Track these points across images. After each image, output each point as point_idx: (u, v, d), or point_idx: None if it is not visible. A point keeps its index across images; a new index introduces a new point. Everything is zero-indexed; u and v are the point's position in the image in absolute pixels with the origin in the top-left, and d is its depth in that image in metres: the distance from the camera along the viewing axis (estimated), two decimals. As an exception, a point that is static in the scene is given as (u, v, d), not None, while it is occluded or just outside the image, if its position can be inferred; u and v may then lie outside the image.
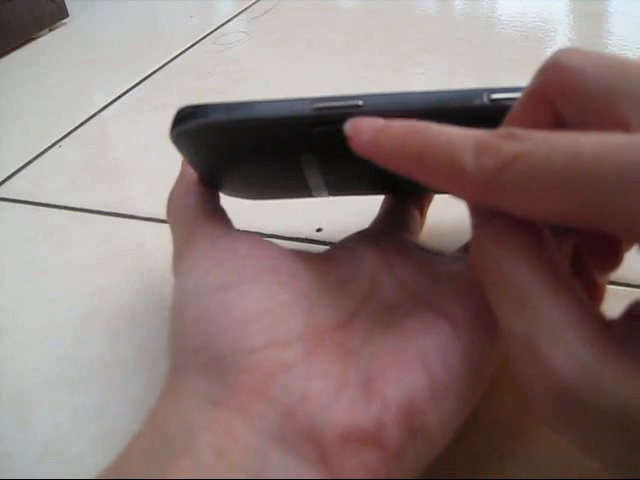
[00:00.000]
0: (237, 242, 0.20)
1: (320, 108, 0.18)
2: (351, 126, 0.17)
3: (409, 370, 0.17)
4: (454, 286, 0.19)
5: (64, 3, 0.68)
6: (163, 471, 0.15)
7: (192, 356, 0.18)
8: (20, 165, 0.43)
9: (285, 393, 0.16)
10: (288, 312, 0.18)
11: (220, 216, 0.23)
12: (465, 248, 0.25)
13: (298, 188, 0.23)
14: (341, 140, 0.17)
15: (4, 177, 0.42)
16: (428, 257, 0.22)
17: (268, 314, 0.18)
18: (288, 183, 0.23)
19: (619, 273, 0.26)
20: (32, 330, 0.28)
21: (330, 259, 0.21)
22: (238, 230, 0.22)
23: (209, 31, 0.62)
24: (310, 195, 0.24)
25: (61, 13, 0.68)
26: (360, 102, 0.18)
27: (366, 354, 0.18)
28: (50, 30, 0.67)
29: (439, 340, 0.17)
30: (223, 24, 0.64)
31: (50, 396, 0.25)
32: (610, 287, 0.26)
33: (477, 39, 0.52)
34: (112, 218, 0.36)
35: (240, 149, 0.20)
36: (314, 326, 0.18)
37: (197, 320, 0.18)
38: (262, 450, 0.15)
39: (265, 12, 0.65)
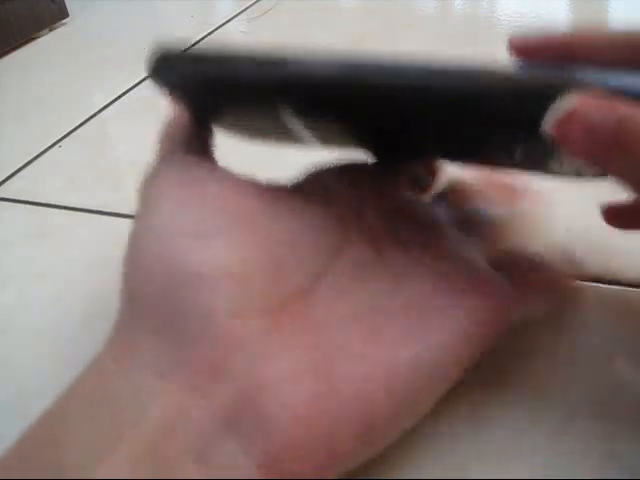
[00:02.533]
0: (214, 183, 0.18)
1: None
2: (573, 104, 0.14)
3: (371, 366, 0.16)
4: (424, 260, 0.18)
5: (64, 3, 0.68)
6: (109, 444, 0.14)
7: (143, 305, 0.16)
8: (20, 165, 0.43)
9: (241, 373, 0.15)
10: (253, 277, 0.16)
11: (206, 152, 0.21)
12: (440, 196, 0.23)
13: (287, 137, 0.22)
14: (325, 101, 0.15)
15: (4, 177, 0.42)
16: (409, 205, 0.21)
17: (232, 277, 0.16)
18: (274, 132, 0.22)
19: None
20: (32, 330, 0.28)
21: (305, 201, 0.19)
22: (220, 169, 0.20)
23: (209, 31, 0.62)
24: (302, 144, 0.22)
25: (61, 13, 0.68)
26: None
27: (328, 335, 0.17)
28: (50, 30, 0.67)
29: (404, 334, 0.17)
30: (223, 24, 0.64)
31: (50, 396, 0.25)
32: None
33: (477, 39, 0.52)
34: (112, 218, 0.36)
35: (218, 102, 0.19)
36: (277, 295, 0.17)
37: (153, 265, 0.17)
38: (214, 432, 0.14)
39: (265, 12, 0.65)
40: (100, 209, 0.37)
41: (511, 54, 0.19)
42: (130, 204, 0.38)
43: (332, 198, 0.20)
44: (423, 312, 0.18)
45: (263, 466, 0.15)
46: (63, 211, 0.37)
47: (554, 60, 0.18)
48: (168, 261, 0.16)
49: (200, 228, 0.17)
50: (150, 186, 0.19)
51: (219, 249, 0.16)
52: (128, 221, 0.35)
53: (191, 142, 0.21)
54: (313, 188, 0.21)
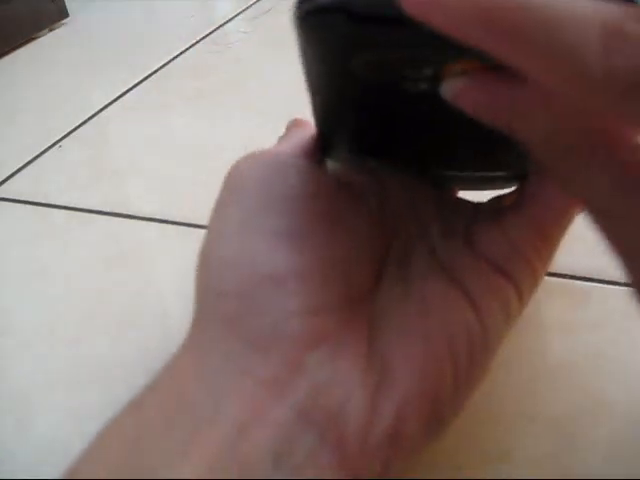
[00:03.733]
0: (296, 176, 0.19)
1: None
2: None
3: (435, 358, 0.16)
4: (476, 261, 0.18)
5: (64, 3, 0.68)
6: (190, 446, 0.14)
7: (218, 303, 0.17)
8: (20, 165, 0.43)
9: (316, 369, 0.15)
10: (326, 276, 0.17)
11: (311, 156, 0.20)
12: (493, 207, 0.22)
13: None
14: None
15: (4, 177, 0.42)
16: (452, 208, 0.20)
17: (302, 276, 0.16)
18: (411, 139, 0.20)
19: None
20: (32, 330, 0.28)
21: (364, 201, 0.20)
22: (310, 171, 0.20)
23: (209, 31, 0.62)
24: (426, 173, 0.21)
25: (61, 13, 0.68)
26: None
27: (389, 329, 0.17)
28: (50, 30, 0.67)
29: (464, 323, 0.17)
30: (223, 24, 0.64)
31: (50, 396, 0.25)
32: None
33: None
34: (112, 218, 0.36)
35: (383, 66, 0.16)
36: (347, 295, 0.17)
37: (227, 265, 0.17)
38: (290, 429, 0.15)
39: (265, 12, 0.65)
40: (100, 209, 0.37)
41: None
42: (130, 204, 0.38)
43: (389, 198, 0.20)
44: (468, 286, 0.18)
45: (339, 459, 0.15)
46: (63, 211, 0.37)
47: None
48: (241, 261, 0.17)
49: (272, 228, 0.17)
50: (235, 176, 0.19)
51: (289, 250, 0.17)
52: (128, 221, 0.35)
53: (304, 145, 0.21)
54: (371, 187, 0.21)
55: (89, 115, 0.49)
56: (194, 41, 0.60)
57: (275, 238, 0.17)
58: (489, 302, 0.17)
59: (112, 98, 0.51)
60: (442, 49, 0.14)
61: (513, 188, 0.21)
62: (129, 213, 0.36)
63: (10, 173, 0.42)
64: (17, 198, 0.39)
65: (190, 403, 0.15)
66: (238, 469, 0.14)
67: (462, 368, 0.16)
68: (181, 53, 0.58)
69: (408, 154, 0.21)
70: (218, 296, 0.17)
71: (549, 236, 0.18)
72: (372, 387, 0.15)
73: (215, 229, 0.18)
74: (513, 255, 0.18)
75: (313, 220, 0.18)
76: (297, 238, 0.17)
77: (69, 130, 0.47)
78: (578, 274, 0.27)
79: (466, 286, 0.18)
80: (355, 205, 0.20)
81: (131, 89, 0.52)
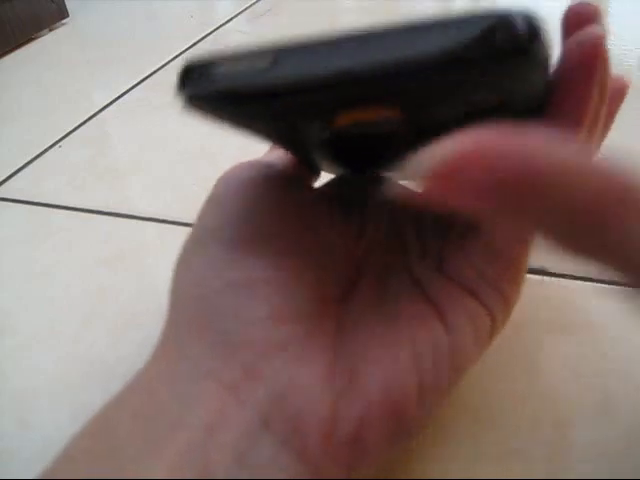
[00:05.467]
0: (277, 186, 0.19)
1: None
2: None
3: (399, 367, 0.16)
4: (448, 282, 0.18)
5: (64, 3, 0.68)
6: (159, 446, 0.15)
7: (188, 306, 0.17)
8: (20, 165, 0.43)
9: (277, 375, 0.16)
10: (289, 284, 0.17)
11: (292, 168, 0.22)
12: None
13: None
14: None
15: (4, 177, 0.42)
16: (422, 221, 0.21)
17: (269, 283, 0.17)
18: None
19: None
20: (32, 330, 0.28)
21: (334, 211, 0.21)
22: (284, 178, 0.21)
23: (209, 31, 0.62)
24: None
25: (61, 13, 0.68)
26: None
27: (358, 339, 0.17)
28: (50, 30, 0.67)
29: (431, 336, 0.17)
30: (223, 24, 0.64)
31: (50, 396, 0.25)
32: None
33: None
34: (112, 218, 0.36)
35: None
36: (315, 303, 0.18)
37: (199, 265, 0.18)
38: (253, 433, 0.15)
39: (265, 12, 0.65)
40: (100, 209, 0.37)
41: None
42: (130, 204, 0.38)
43: (371, 215, 0.21)
44: (439, 304, 0.18)
45: (302, 460, 0.15)
46: (63, 211, 0.37)
47: None
48: (209, 267, 0.17)
49: (244, 236, 0.18)
50: (215, 186, 0.20)
51: (258, 256, 0.17)
52: (128, 221, 0.35)
53: (284, 161, 0.22)
54: (339, 198, 0.22)
55: (89, 115, 0.49)
56: (194, 41, 0.60)
57: (245, 245, 0.18)
58: (459, 322, 0.17)
59: (112, 98, 0.51)
60: (320, 105, 0.14)
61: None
62: (129, 213, 0.36)
63: (10, 173, 0.42)
64: (17, 198, 0.39)
65: (161, 407, 0.16)
66: (204, 468, 0.14)
67: (427, 384, 0.16)
68: (181, 53, 0.58)
69: (370, 166, 0.22)
70: (188, 300, 0.17)
71: (510, 260, 0.18)
72: (335, 393, 0.16)
73: (192, 237, 0.19)
74: (479, 279, 0.18)
75: (286, 228, 0.18)
76: (267, 245, 0.18)
77: (69, 130, 0.47)
78: (577, 274, 0.27)
79: (438, 305, 0.18)
80: (332, 217, 0.20)
81: (131, 89, 0.52)
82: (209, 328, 0.17)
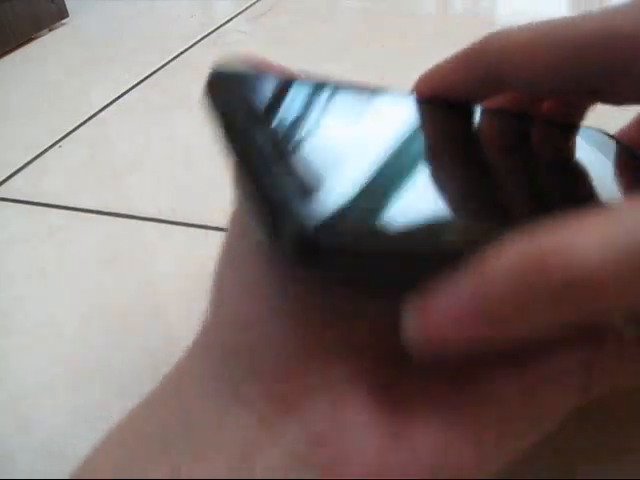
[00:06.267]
0: None
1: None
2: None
3: (448, 415, 0.15)
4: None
5: (64, 3, 0.68)
6: (194, 463, 0.14)
7: (226, 329, 0.16)
8: (20, 165, 0.43)
9: (318, 414, 0.14)
10: (339, 353, 0.15)
11: None
12: None
13: None
14: None
15: (4, 177, 0.42)
16: None
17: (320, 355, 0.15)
18: None
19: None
20: (32, 330, 0.28)
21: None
22: None
23: (209, 31, 0.62)
24: None
25: (61, 13, 0.68)
26: None
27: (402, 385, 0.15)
28: (50, 30, 0.67)
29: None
30: (223, 24, 0.64)
31: (50, 396, 0.25)
32: None
33: (477, 39, 0.52)
34: (112, 218, 0.36)
35: None
36: (359, 371, 0.15)
37: (244, 288, 0.16)
38: (289, 469, 0.14)
39: (265, 12, 0.65)
40: (100, 209, 0.37)
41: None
42: (130, 204, 0.38)
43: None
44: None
45: None
46: (63, 211, 0.37)
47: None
48: (256, 292, 0.16)
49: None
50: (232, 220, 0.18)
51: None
52: (128, 221, 0.35)
53: None
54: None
55: (89, 115, 0.49)
56: (194, 41, 0.60)
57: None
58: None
59: (112, 98, 0.51)
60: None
61: None
62: (129, 213, 0.36)
63: (10, 173, 0.42)
64: (17, 198, 0.39)
65: (195, 423, 0.15)
66: None
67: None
68: (181, 53, 0.58)
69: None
70: (229, 325, 0.16)
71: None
72: (380, 441, 0.14)
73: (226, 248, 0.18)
74: None
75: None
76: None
77: (69, 130, 0.47)
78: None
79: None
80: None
81: (131, 89, 0.52)
82: (246, 353, 0.15)
